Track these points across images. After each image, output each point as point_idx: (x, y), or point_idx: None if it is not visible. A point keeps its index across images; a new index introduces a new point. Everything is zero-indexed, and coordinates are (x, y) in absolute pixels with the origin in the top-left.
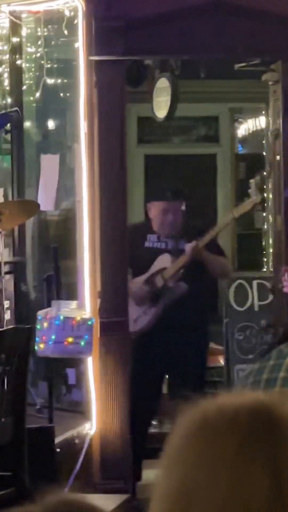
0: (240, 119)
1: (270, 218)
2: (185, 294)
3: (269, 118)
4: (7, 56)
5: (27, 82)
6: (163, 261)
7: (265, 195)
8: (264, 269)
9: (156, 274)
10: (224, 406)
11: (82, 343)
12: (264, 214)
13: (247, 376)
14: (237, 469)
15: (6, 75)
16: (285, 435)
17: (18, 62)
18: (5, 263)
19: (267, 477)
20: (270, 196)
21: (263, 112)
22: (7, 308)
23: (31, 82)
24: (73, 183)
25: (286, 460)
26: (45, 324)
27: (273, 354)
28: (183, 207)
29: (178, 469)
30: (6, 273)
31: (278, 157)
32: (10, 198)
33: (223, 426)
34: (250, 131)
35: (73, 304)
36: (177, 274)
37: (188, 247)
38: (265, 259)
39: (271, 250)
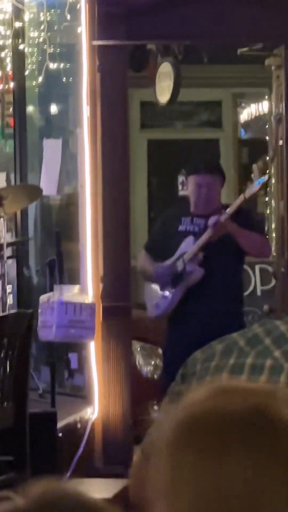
0: (243, 104)
1: (273, 203)
2: (213, 278)
3: (272, 103)
4: (10, 40)
5: (29, 66)
6: (187, 243)
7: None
8: None
9: (178, 259)
10: (215, 406)
11: (85, 328)
12: (267, 199)
13: (206, 359)
14: (220, 469)
15: (8, 59)
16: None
17: (21, 46)
18: (8, 245)
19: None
20: (273, 181)
21: (266, 97)
22: (10, 293)
23: (34, 67)
24: (76, 168)
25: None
26: (48, 309)
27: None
28: (220, 185)
29: (162, 466)
30: (9, 257)
31: (281, 142)
32: (12, 183)
33: (214, 428)
34: (253, 116)
35: (76, 288)
36: (197, 257)
37: (210, 222)
38: None
39: (273, 235)
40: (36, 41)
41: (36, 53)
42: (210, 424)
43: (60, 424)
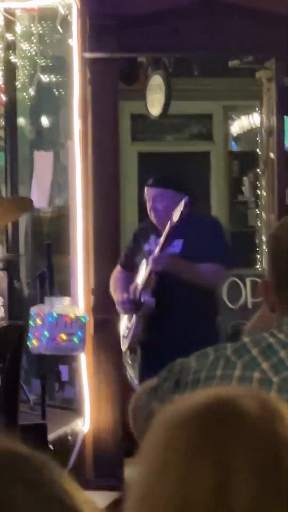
0: (233, 117)
1: (264, 215)
2: (168, 306)
3: (263, 116)
4: (1, 53)
5: (20, 79)
6: (142, 269)
7: (259, 192)
8: (257, 267)
9: (133, 286)
10: (185, 403)
11: (75, 340)
12: (258, 212)
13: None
14: (185, 465)
15: (0, 72)
16: (237, 432)
17: (12, 59)
18: None
19: (214, 475)
20: (264, 193)
21: (257, 110)
22: (0, 305)
23: (25, 79)
24: (67, 180)
25: (236, 458)
26: (38, 321)
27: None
28: (171, 198)
29: (142, 464)
30: (0, 270)
31: (271, 155)
32: (3, 195)
33: (178, 423)
34: (244, 129)
35: (67, 301)
36: (149, 287)
37: (150, 258)
38: (258, 257)
39: (264, 248)
40: (28, 54)
41: (27, 65)
42: (169, 420)
43: (50, 436)
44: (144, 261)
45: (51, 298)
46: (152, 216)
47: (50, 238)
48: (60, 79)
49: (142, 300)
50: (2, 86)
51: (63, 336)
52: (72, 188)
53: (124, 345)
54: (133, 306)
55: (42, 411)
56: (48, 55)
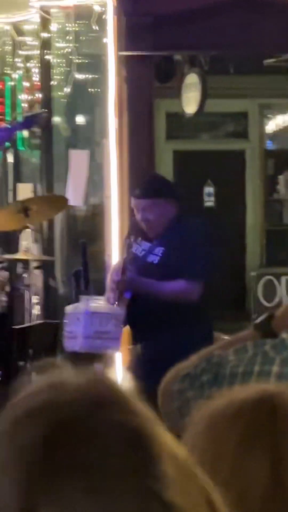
0: (269, 115)
1: None
2: (141, 316)
3: None
4: (37, 51)
5: (56, 77)
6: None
7: None
8: None
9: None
10: (232, 398)
11: (110, 339)
12: None
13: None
14: (238, 457)
15: (36, 70)
16: (286, 425)
17: (48, 57)
18: (34, 258)
19: (266, 466)
20: None
21: None
22: (36, 303)
23: (61, 77)
24: (102, 179)
25: (286, 449)
26: (74, 319)
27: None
28: (161, 207)
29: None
30: (35, 268)
31: None
32: (39, 193)
33: (228, 417)
34: (280, 127)
35: (102, 299)
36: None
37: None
38: None
39: None
40: (63, 52)
41: (63, 63)
42: (217, 415)
43: None
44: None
45: (86, 297)
46: (143, 226)
47: (85, 236)
48: (95, 77)
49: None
50: (38, 84)
51: (98, 334)
52: (108, 186)
53: None
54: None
55: None
56: (84, 54)
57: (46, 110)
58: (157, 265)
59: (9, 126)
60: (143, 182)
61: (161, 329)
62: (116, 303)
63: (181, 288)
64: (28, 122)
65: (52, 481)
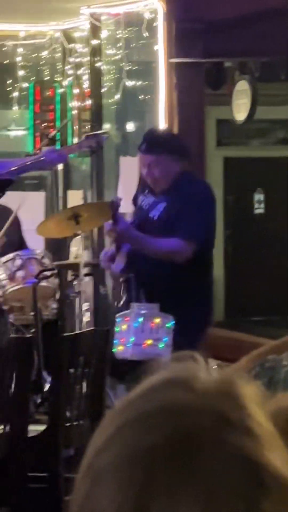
0: None
1: None
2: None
3: None
4: (87, 58)
5: (106, 84)
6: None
7: None
8: None
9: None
10: None
11: (161, 346)
12: None
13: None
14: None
15: (86, 77)
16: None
17: (98, 64)
18: (85, 265)
19: None
20: None
21: None
22: (86, 310)
23: (111, 84)
24: None
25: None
26: (124, 327)
27: None
28: (163, 162)
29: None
30: (86, 275)
31: None
32: (89, 200)
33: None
34: None
35: (153, 306)
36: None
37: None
38: None
39: None
40: (113, 59)
41: (113, 70)
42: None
43: None
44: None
45: (137, 304)
46: (148, 181)
47: None
48: (145, 84)
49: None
50: (88, 91)
51: (149, 342)
52: None
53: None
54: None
55: None
56: (134, 60)
57: (107, 132)
58: (157, 221)
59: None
60: (149, 136)
61: (158, 291)
62: (115, 259)
63: (171, 246)
64: (88, 143)
65: (167, 488)
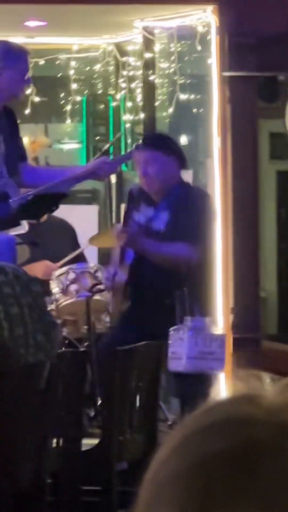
0: None
1: None
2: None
3: None
4: (140, 71)
5: (159, 97)
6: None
7: None
8: None
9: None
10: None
11: (214, 359)
12: None
13: None
14: None
15: (139, 90)
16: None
17: (151, 77)
18: None
19: None
20: None
21: None
22: None
23: (164, 97)
24: None
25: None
26: (178, 340)
27: None
28: (162, 161)
29: None
30: None
31: None
32: None
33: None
34: None
35: (206, 320)
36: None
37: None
38: None
39: None
40: (166, 72)
41: (166, 84)
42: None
43: None
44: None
45: (190, 317)
46: (142, 182)
47: None
48: (199, 97)
49: (113, 277)
50: (141, 104)
51: (202, 355)
52: None
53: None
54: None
55: None
56: (187, 74)
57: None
58: (163, 233)
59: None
60: (148, 135)
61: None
62: (117, 270)
63: (181, 251)
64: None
65: (227, 496)
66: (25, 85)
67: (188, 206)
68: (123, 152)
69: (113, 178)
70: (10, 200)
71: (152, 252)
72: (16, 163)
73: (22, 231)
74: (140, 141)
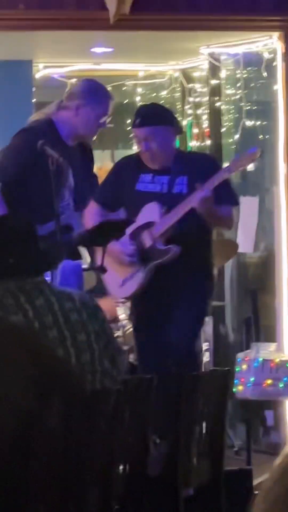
0: None
1: None
2: (179, 254)
3: None
4: (206, 98)
5: (226, 124)
6: (151, 211)
7: None
8: None
9: (141, 230)
10: None
11: (281, 385)
12: None
13: None
14: None
15: (205, 117)
16: None
17: (217, 104)
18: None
19: None
20: None
21: None
22: (206, 350)
23: (230, 124)
24: (272, 225)
25: None
26: (244, 366)
27: None
28: (164, 134)
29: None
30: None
31: None
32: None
33: None
34: None
35: (272, 346)
36: (167, 232)
37: (197, 197)
38: None
39: None
40: (233, 98)
41: (232, 110)
42: None
43: (256, 482)
44: (152, 204)
45: (257, 344)
46: (146, 157)
47: (255, 283)
48: (265, 123)
49: (159, 248)
50: (207, 131)
51: (269, 381)
52: (278, 232)
53: (120, 294)
54: (139, 255)
55: (247, 457)
56: (253, 100)
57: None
58: (187, 194)
59: None
60: (142, 111)
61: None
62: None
63: (229, 214)
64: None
65: None
66: (99, 128)
67: (205, 166)
68: None
69: None
70: (74, 233)
71: (215, 216)
72: (85, 199)
73: (85, 265)
74: (136, 119)
